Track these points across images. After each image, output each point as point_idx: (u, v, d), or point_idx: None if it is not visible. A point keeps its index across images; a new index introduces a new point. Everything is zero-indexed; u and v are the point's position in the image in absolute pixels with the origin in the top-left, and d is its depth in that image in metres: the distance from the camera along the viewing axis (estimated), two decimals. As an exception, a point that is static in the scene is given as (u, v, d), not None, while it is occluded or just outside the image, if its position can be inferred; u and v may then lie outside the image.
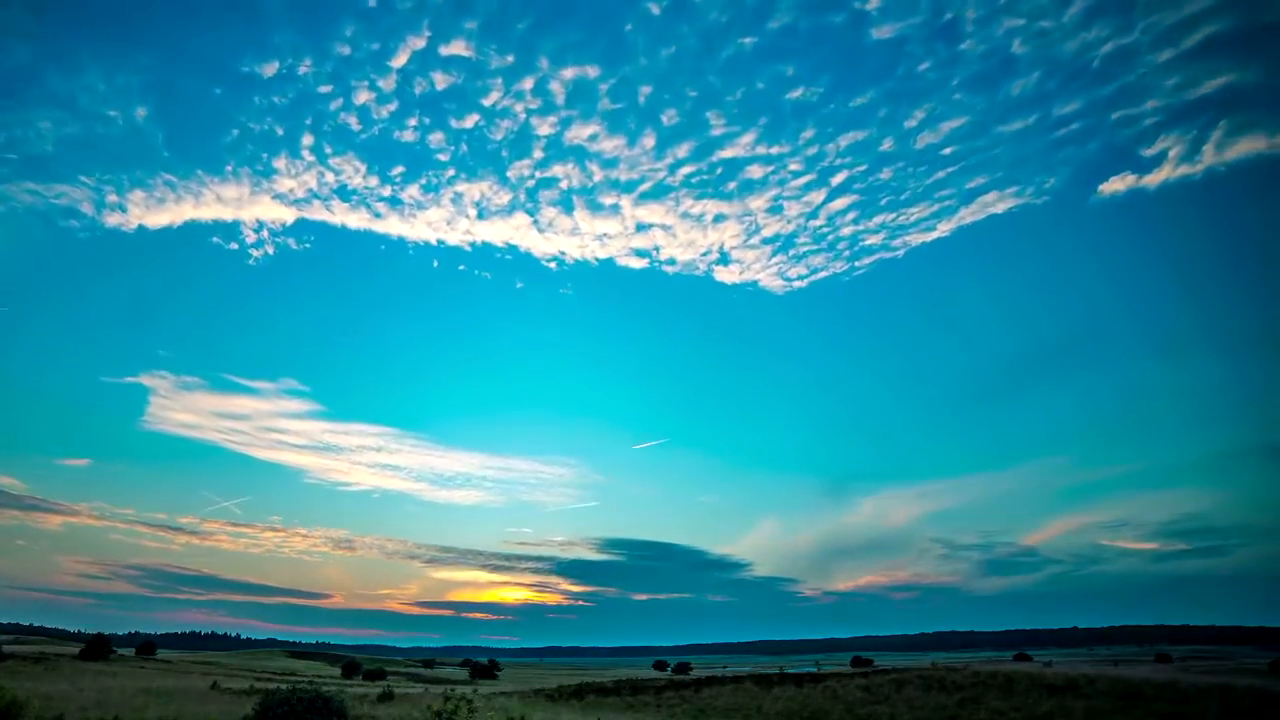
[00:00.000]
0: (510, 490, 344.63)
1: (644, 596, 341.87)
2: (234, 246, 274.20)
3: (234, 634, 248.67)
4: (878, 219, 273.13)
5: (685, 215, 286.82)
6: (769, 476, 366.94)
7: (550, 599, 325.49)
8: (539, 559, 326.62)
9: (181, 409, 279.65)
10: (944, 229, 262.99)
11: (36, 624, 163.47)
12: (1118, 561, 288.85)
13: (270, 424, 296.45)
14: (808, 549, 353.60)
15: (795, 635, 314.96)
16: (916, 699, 28.86)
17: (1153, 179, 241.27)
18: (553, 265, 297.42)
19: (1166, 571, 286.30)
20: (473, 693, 32.82)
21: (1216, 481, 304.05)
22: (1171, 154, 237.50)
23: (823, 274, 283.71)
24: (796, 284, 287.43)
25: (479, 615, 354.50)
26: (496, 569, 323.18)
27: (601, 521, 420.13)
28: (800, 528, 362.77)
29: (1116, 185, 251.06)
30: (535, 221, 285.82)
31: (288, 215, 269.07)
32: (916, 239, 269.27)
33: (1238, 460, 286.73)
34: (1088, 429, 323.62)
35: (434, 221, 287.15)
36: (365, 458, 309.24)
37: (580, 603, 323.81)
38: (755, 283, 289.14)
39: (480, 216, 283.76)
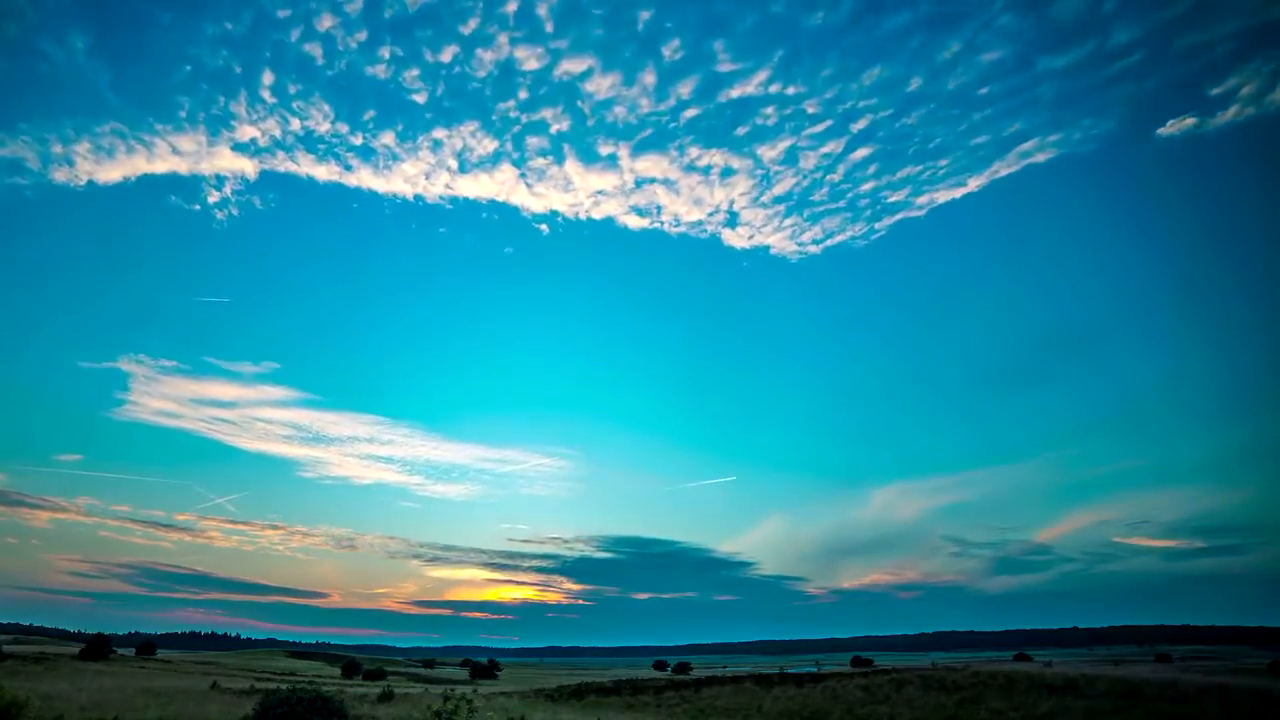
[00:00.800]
0: (509, 484, 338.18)
1: (645, 596, 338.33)
2: (196, 208, 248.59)
3: (233, 634, 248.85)
4: (902, 172, 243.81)
5: (690, 168, 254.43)
6: (774, 471, 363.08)
7: (550, 598, 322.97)
8: (538, 557, 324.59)
9: (162, 397, 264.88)
10: (975, 184, 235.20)
11: (35, 624, 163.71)
12: (1132, 560, 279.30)
13: (257, 414, 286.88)
14: (814, 546, 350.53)
15: (798, 635, 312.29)
16: (916, 699, 28.86)
17: (1217, 121, 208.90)
18: (544, 227, 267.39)
19: (1180, 570, 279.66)
20: (473, 693, 32.69)
21: (1237, 478, 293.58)
22: (1243, 91, 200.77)
23: (839, 237, 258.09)
24: (810, 249, 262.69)
25: (478, 615, 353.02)
26: (496, 567, 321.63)
27: (602, 518, 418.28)
28: (806, 524, 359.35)
29: (1173, 129, 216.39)
30: (523, 174, 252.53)
31: (249, 168, 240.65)
32: (944, 195, 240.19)
33: (1261, 456, 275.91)
34: (1104, 421, 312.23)
35: (411, 175, 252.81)
36: (357, 449, 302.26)
37: (580, 602, 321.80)
38: (766, 248, 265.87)
39: (462, 169, 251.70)
